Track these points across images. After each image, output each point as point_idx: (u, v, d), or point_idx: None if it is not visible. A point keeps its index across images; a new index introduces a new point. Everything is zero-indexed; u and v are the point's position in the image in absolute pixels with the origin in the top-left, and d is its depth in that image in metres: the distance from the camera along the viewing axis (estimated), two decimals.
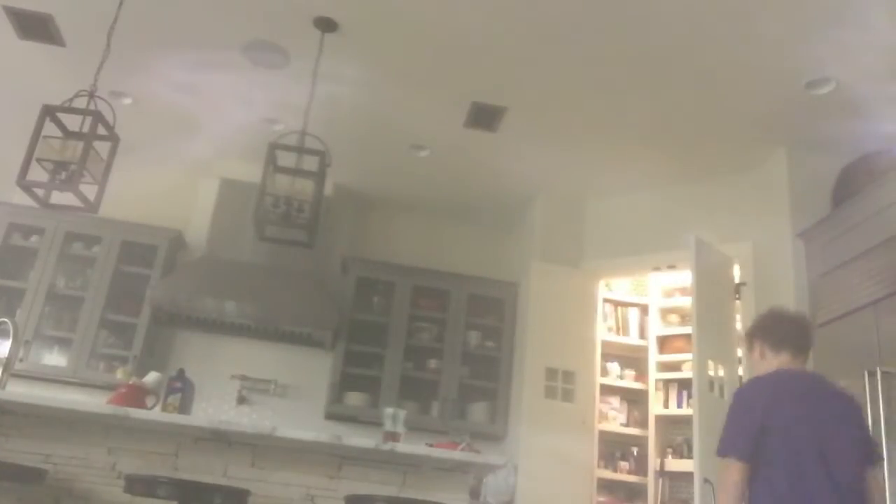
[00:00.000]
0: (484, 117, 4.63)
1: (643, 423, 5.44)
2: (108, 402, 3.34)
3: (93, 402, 3.54)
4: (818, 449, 2.33)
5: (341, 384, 5.39)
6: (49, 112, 3.33)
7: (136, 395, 3.36)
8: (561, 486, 4.82)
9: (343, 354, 5.45)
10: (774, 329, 2.65)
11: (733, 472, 2.37)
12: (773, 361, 2.59)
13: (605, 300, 5.62)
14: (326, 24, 3.88)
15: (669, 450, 5.30)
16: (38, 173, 3.28)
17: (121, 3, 3.67)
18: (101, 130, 3.37)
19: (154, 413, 3.16)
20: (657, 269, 5.35)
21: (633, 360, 5.63)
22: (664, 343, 5.57)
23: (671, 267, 5.19)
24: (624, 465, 5.37)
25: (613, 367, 5.56)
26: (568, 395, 5.08)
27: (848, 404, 2.55)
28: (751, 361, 2.74)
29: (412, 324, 5.62)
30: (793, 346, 2.59)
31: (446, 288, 5.73)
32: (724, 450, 2.44)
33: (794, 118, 4.25)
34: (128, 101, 4.81)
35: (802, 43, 3.64)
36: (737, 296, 4.64)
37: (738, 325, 4.61)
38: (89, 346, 5.15)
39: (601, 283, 5.51)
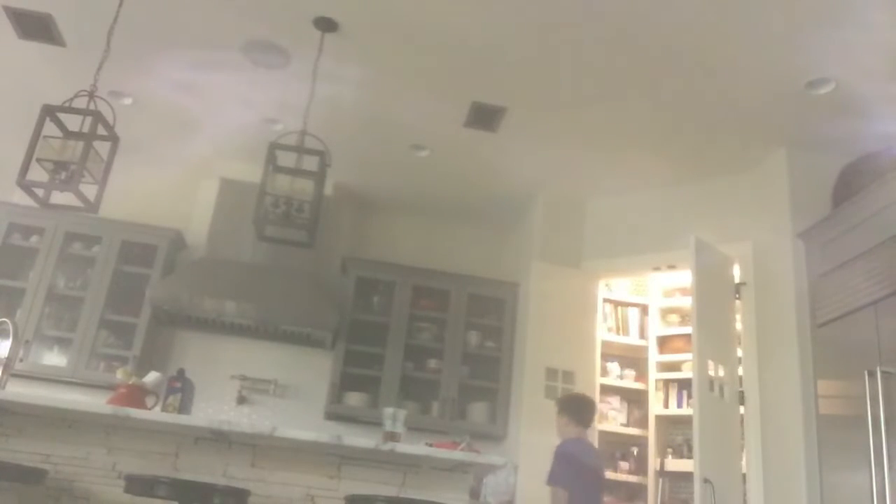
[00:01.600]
0: (484, 117, 4.63)
1: (643, 423, 5.44)
2: (108, 402, 3.34)
3: (93, 402, 3.53)
4: (593, 482, 4.08)
5: (341, 384, 5.39)
6: (49, 112, 3.32)
7: (136, 395, 3.36)
8: None
9: (343, 354, 5.45)
10: (582, 411, 4.26)
11: (561, 497, 3.89)
12: (574, 430, 4.18)
13: (605, 300, 5.62)
14: (326, 24, 3.88)
15: (669, 450, 5.30)
16: (38, 173, 3.28)
17: (121, 3, 3.67)
18: (101, 130, 3.37)
19: (154, 413, 3.16)
20: (657, 269, 5.34)
21: (633, 360, 5.63)
22: (664, 343, 5.58)
23: (671, 267, 5.19)
24: (624, 465, 5.37)
25: (613, 367, 5.56)
26: None
27: (600, 458, 4.42)
28: (559, 423, 4.24)
29: (412, 324, 5.62)
30: (587, 424, 4.26)
31: (446, 288, 5.73)
32: (556, 482, 3.94)
33: (794, 118, 4.25)
34: (128, 101, 4.82)
35: (802, 43, 3.64)
36: (737, 296, 4.64)
37: (739, 325, 4.62)
38: (89, 346, 5.15)
39: (601, 283, 5.51)
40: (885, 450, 3.27)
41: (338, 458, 3.12)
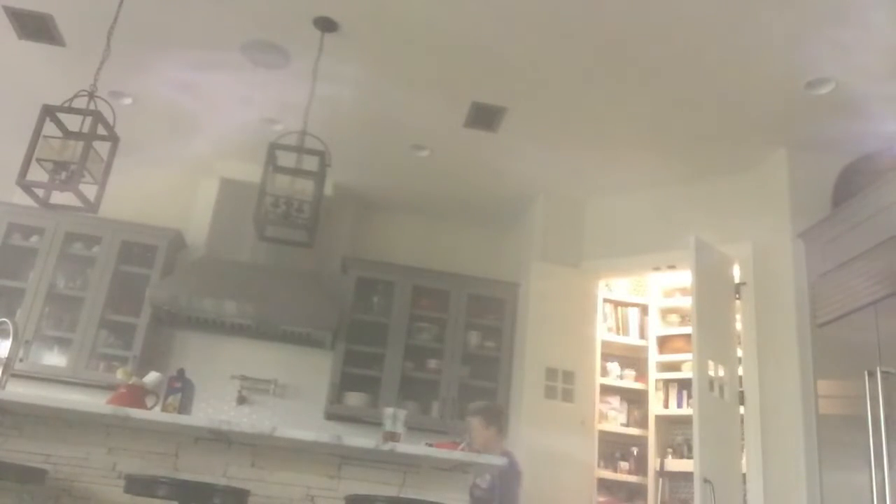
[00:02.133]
0: (484, 117, 4.63)
1: (643, 423, 5.44)
2: (107, 402, 3.34)
3: (93, 402, 3.53)
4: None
5: (341, 384, 5.39)
6: (49, 112, 3.32)
7: (136, 395, 3.36)
8: (561, 486, 4.82)
9: (343, 354, 5.45)
10: (505, 422, 4.59)
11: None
12: (501, 439, 4.38)
13: (605, 300, 5.62)
14: (326, 24, 3.88)
15: (669, 450, 5.30)
16: (38, 173, 3.28)
17: (121, 3, 3.67)
18: (101, 130, 3.37)
19: (154, 413, 3.16)
20: (657, 269, 5.34)
21: (633, 360, 5.63)
22: (664, 343, 5.58)
23: (671, 267, 5.18)
24: (624, 465, 5.37)
25: (613, 367, 5.56)
26: (568, 395, 5.08)
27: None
28: (485, 435, 4.22)
29: (412, 324, 5.62)
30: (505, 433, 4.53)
31: (446, 288, 5.73)
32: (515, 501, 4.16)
33: (794, 118, 4.25)
34: (128, 101, 4.82)
35: (802, 43, 3.64)
36: (737, 296, 4.64)
37: (739, 325, 4.62)
38: (89, 346, 5.15)
39: (601, 283, 5.51)
40: (885, 450, 3.27)
41: (338, 458, 3.12)
